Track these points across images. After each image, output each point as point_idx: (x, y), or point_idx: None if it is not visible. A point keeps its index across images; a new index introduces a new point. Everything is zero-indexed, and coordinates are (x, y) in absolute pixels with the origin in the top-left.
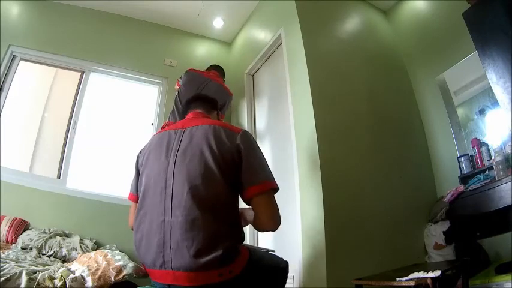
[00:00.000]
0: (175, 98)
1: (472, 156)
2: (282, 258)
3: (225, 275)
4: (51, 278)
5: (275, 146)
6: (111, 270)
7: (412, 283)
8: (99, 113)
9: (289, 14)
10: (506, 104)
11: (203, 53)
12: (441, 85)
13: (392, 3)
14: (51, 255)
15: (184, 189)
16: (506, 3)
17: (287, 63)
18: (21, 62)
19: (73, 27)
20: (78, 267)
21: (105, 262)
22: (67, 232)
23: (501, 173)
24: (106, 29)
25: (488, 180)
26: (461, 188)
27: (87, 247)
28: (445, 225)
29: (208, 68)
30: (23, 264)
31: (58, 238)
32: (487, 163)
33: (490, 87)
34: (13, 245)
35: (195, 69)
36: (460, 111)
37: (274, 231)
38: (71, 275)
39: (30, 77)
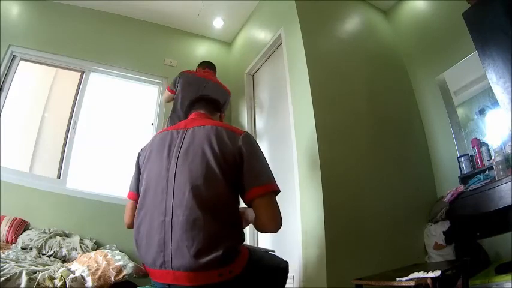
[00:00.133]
0: (175, 102)
1: (472, 156)
2: (281, 259)
3: (225, 275)
4: (51, 278)
5: (275, 146)
6: (111, 270)
7: (412, 283)
8: (99, 113)
9: (289, 14)
10: (506, 104)
11: (203, 53)
12: (441, 85)
13: (392, 3)
14: (51, 255)
15: (185, 189)
16: (506, 3)
17: (287, 63)
18: (21, 62)
19: (73, 27)
20: (78, 267)
21: (105, 262)
22: (67, 232)
23: (501, 173)
24: (106, 29)
25: (488, 180)
26: (461, 188)
27: (87, 247)
28: (445, 225)
29: (200, 65)
30: (23, 264)
31: (58, 238)
32: (487, 163)
33: (490, 87)
34: (13, 245)
35: (189, 71)
36: (460, 111)
37: (275, 232)
38: (71, 275)
39: (30, 77)
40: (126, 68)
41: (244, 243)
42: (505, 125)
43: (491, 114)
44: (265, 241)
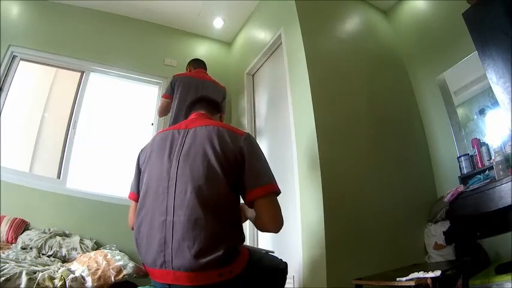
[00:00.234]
0: (174, 105)
1: (472, 156)
2: (281, 259)
3: (225, 275)
4: (51, 278)
5: (275, 146)
6: (111, 270)
7: (412, 283)
8: (99, 113)
9: (289, 14)
10: (506, 104)
11: (203, 53)
12: (441, 85)
13: (392, 3)
14: (51, 255)
15: (187, 189)
16: (506, 3)
17: (287, 63)
18: (21, 62)
19: (73, 27)
20: (78, 267)
21: (105, 262)
22: (67, 232)
23: (501, 173)
24: (106, 29)
25: (488, 180)
26: (461, 188)
27: (87, 247)
28: (445, 225)
29: (190, 64)
30: (23, 264)
31: (58, 238)
32: (487, 163)
33: (490, 87)
34: (13, 245)
35: (183, 73)
36: (460, 111)
37: (276, 232)
38: (71, 275)
39: (30, 77)
40: (126, 68)
41: (244, 243)
42: (505, 125)
43: (491, 114)
44: (265, 241)
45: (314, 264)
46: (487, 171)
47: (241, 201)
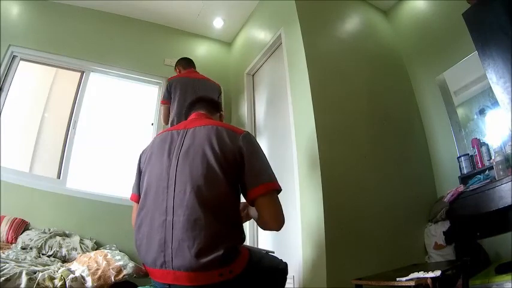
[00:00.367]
0: (174, 108)
1: (472, 156)
2: (281, 260)
3: (226, 275)
4: (51, 278)
5: (275, 146)
6: (111, 270)
7: (412, 283)
8: (99, 113)
9: (289, 14)
10: (506, 104)
11: (203, 53)
12: (441, 85)
13: (392, 3)
14: (51, 255)
15: (186, 189)
16: (506, 3)
17: (287, 63)
18: (21, 62)
19: (73, 27)
20: (78, 267)
21: (105, 262)
22: (67, 232)
23: (501, 173)
24: (106, 29)
25: (488, 180)
26: (461, 188)
27: (87, 247)
28: (445, 225)
29: (179, 64)
30: (23, 264)
31: (58, 238)
32: (487, 163)
33: (490, 87)
34: (13, 245)
35: (176, 76)
36: (460, 111)
37: (278, 230)
38: (71, 275)
39: (30, 77)
40: (126, 68)
41: (244, 243)
42: (505, 125)
43: (491, 114)
44: (265, 241)
45: (314, 264)
46: (487, 171)
47: (245, 200)
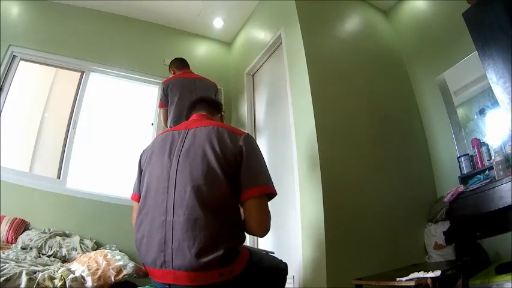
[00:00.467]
0: (171, 110)
1: (472, 156)
2: (281, 260)
3: (226, 275)
4: (51, 278)
5: (275, 146)
6: (111, 270)
7: (412, 283)
8: (99, 113)
9: (289, 14)
10: (506, 104)
11: (203, 53)
12: (441, 85)
13: (392, 3)
14: (51, 255)
15: (187, 189)
16: (506, 3)
17: (287, 63)
18: (21, 62)
19: (73, 27)
20: (78, 267)
21: (105, 262)
22: (67, 232)
23: (501, 173)
24: (106, 29)
25: (488, 180)
26: (461, 188)
27: (87, 247)
28: (445, 225)
29: (173, 65)
30: (23, 264)
31: (58, 238)
32: (487, 163)
33: (490, 87)
34: (13, 245)
35: (172, 78)
36: (460, 111)
37: (261, 237)
38: (71, 275)
39: (30, 77)
40: (126, 68)
41: (244, 243)
42: (505, 125)
43: (491, 114)
44: (265, 241)
45: (314, 264)
46: (487, 171)
47: None
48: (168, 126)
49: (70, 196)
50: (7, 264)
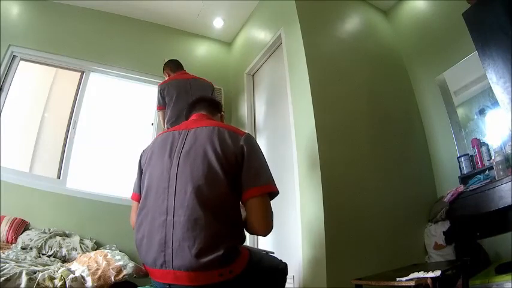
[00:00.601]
0: (168, 111)
1: (472, 156)
2: (281, 260)
3: (226, 275)
4: (51, 278)
5: (275, 146)
6: (111, 270)
7: (412, 283)
8: (99, 113)
9: (289, 14)
10: (506, 104)
11: (203, 53)
12: (441, 85)
13: (392, 3)
14: (51, 255)
15: (187, 189)
16: (506, 3)
17: (287, 63)
18: (21, 62)
19: (73, 27)
20: (78, 267)
21: (105, 262)
22: (67, 232)
23: (501, 173)
24: (106, 29)
25: (488, 180)
26: (461, 188)
27: (87, 247)
28: (445, 225)
29: (167, 67)
30: (23, 264)
31: (58, 238)
32: (487, 163)
33: (490, 87)
34: (13, 245)
35: (167, 80)
36: (460, 111)
37: (264, 236)
38: (71, 275)
39: (30, 77)
40: (126, 68)
41: (244, 243)
42: (505, 125)
43: (491, 114)
44: (265, 241)
45: (314, 264)
46: (487, 171)
47: None
48: (165, 128)
49: (70, 196)
50: (7, 264)
